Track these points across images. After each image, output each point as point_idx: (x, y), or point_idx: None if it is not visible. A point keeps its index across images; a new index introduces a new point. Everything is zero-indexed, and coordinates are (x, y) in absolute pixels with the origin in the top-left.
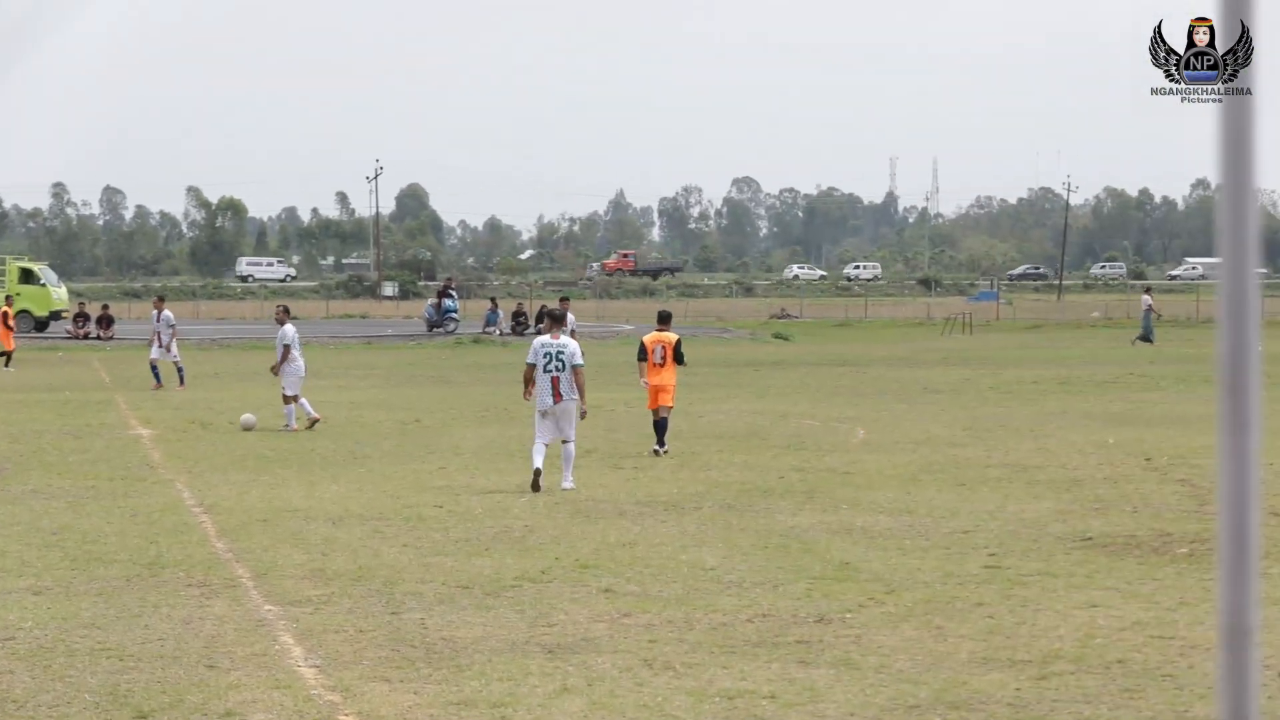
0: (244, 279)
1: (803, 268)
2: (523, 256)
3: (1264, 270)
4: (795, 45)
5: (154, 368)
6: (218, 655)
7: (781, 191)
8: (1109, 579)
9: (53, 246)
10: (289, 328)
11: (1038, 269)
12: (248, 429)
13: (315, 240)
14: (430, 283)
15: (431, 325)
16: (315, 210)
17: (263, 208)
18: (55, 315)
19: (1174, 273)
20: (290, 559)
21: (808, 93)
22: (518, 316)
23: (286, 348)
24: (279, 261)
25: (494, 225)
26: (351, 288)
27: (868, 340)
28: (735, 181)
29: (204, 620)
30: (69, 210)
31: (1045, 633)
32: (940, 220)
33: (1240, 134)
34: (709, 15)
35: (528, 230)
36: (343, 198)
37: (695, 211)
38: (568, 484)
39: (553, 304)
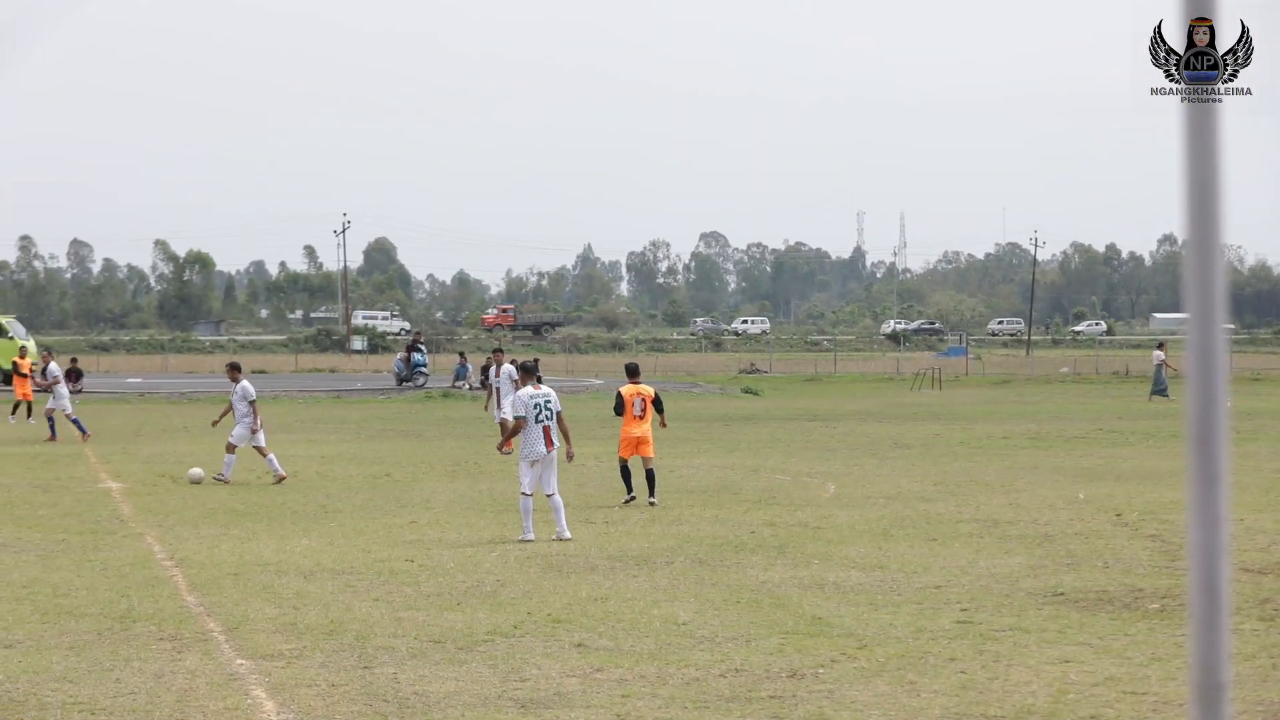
0: (360, 330)
1: (746, 321)
2: (491, 311)
3: (1231, 326)
4: (763, 100)
5: (75, 422)
6: (190, 709)
7: (750, 246)
8: (1081, 634)
9: (20, 299)
10: (247, 384)
11: (932, 324)
12: (195, 483)
13: (283, 294)
14: (399, 336)
15: (401, 379)
16: (283, 264)
17: (230, 261)
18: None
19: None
20: (262, 613)
21: (776, 148)
22: (487, 370)
23: (253, 403)
24: (394, 315)
25: (462, 279)
26: (320, 341)
27: (837, 395)
28: (703, 236)
29: (176, 674)
30: (36, 263)
31: (1018, 688)
32: (908, 275)
33: (1207, 190)
34: (677, 70)
35: (496, 284)
36: (310, 252)
37: (663, 266)
38: (567, 534)
39: (525, 358)
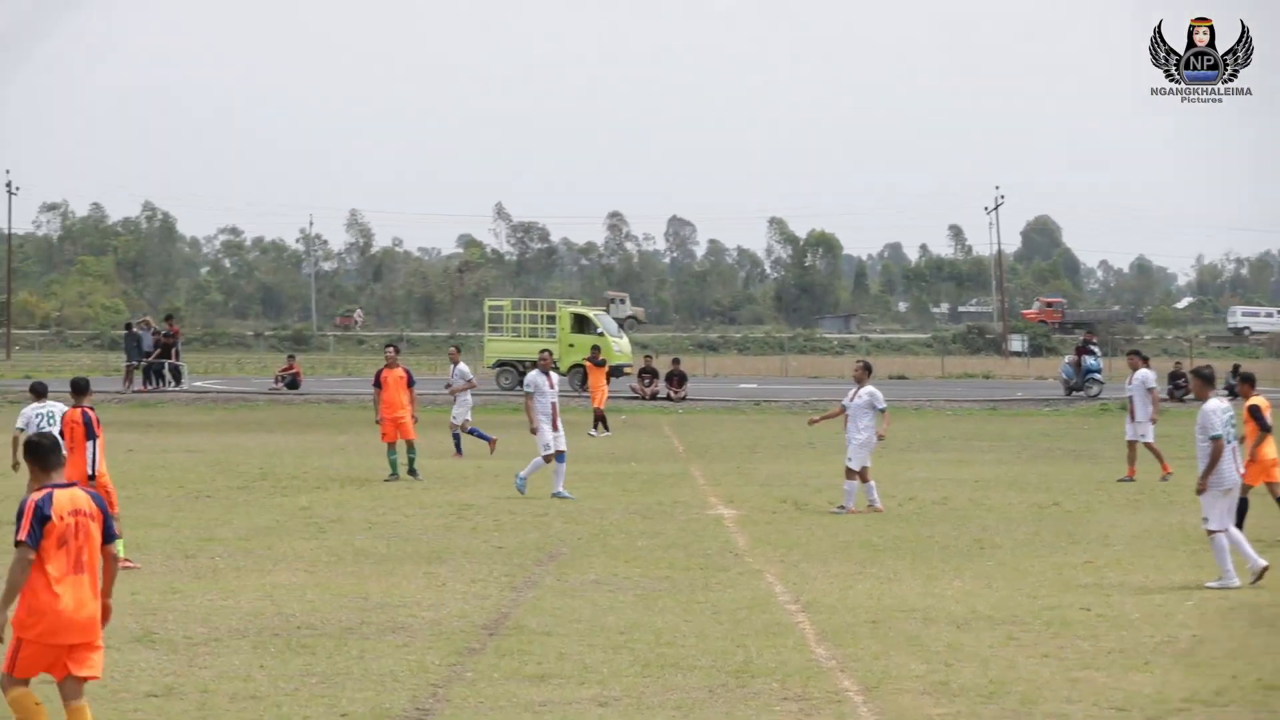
0: (1239, 331)
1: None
2: (1179, 305)
3: None
4: None
5: (474, 432)
6: None
7: None
8: None
9: (612, 288)
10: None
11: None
12: None
13: (925, 283)
14: (1066, 336)
15: (1070, 387)
16: (924, 248)
17: (861, 244)
18: (617, 370)
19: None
20: (906, 669)
21: None
22: (1175, 379)
23: (883, 411)
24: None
25: (1142, 266)
26: (970, 341)
27: None
28: None
29: None
30: (629, 245)
31: None
32: None
33: None
34: None
35: (1185, 273)
36: (957, 232)
37: None
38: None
39: (1201, 365)
